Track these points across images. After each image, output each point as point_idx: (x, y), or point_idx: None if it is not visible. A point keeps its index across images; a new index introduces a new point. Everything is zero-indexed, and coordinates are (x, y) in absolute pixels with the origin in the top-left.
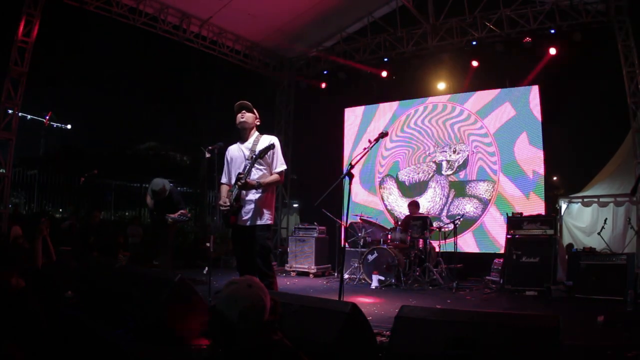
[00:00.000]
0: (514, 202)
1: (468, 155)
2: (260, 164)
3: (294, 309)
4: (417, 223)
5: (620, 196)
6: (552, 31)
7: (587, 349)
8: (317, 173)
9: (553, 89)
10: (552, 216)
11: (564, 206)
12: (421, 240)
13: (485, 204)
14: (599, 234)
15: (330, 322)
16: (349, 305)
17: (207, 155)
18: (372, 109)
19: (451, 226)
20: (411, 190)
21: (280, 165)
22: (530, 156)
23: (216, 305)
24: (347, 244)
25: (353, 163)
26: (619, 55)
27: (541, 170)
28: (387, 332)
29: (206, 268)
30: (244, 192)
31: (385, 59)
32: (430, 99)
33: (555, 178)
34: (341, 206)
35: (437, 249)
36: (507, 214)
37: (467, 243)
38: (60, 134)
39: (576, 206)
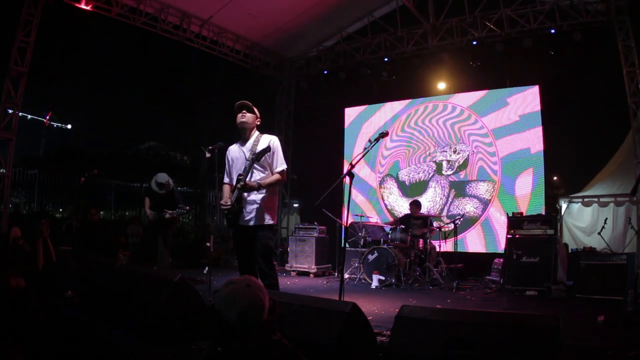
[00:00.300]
0: (514, 201)
1: (468, 155)
2: (261, 165)
3: (294, 309)
4: (417, 223)
5: (621, 196)
6: (553, 31)
7: (587, 349)
8: (318, 173)
9: (553, 88)
10: (552, 216)
11: (564, 206)
12: (421, 240)
13: (485, 204)
14: (599, 233)
15: (330, 321)
16: (349, 305)
17: (208, 155)
18: (373, 109)
19: (451, 226)
20: (411, 190)
21: (281, 165)
22: (531, 156)
23: (215, 305)
24: (347, 244)
25: (353, 163)
26: (619, 55)
27: (541, 170)
28: (388, 332)
29: (206, 268)
30: (245, 193)
31: (386, 59)
32: (431, 99)
33: (555, 178)
34: (341, 206)
35: (437, 249)
36: (507, 213)
37: (468, 243)
38: (60, 134)
39: (576, 206)
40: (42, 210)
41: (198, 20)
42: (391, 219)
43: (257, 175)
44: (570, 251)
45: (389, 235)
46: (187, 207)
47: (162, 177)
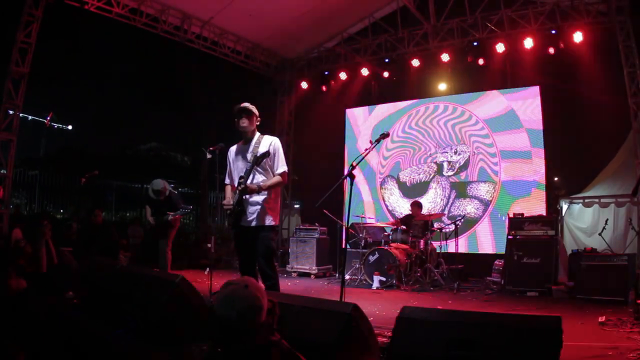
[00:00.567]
0: (515, 202)
1: (469, 156)
2: (262, 168)
3: (295, 310)
4: (418, 223)
5: (621, 197)
6: (553, 31)
7: (588, 349)
8: (318, 174)
9: (554, 89)
10: (553, 217)
11: (565, 207)
12: (422, 241)
13: (486, 205)
14: (600, 234)
15: (331, 322)
16: (350, 306)
17: (208, 155)
18: (373, 110)
19: (452, 227)
20: (412, 190)
21: (282, 167)
22: (531, 156)
23: (214, 306)
24: (348, 245)
25: (354, 164)
26: (620, 56)
27: (542, 170)
28: (389, 333)
29: (207, 268)
30: (246, 195)
31: (387, 60)
32: (432, 100)
33: (556, 179)
34: (342, 207)
35: (437, 250)
36: (508, 214)
37: (468, 244)
38: (61, 135)
39: (577, 207)
40: (43, 211)
41: (199, 21)
42: (392, 220)
43: (258, 178)
44: (570, 252)
45: (390, 236)
46: (190, 207)
47: (157, 184)
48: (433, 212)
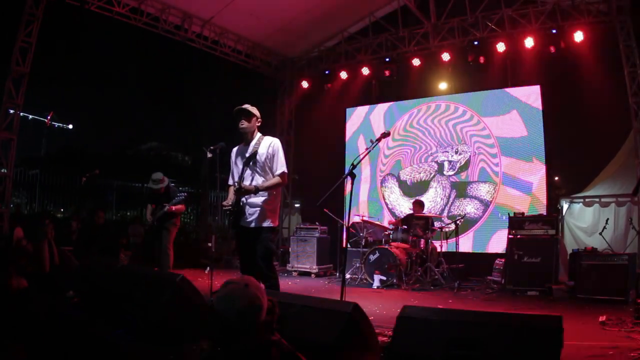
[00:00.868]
0: (516, 202)
1: (470, 157)
2: (262, 169)
3: (295, 309)
4: (419, 223)
5: (622, 196)
6: (554, 31)
7: (588, 349)
8: (319, 173)
9: (554, 88)
10: (553, 216)
11: (565, 206)
12: (423, 240)
13: (486, 205)
14: (600, 234)
15: (332, 322)
16: (350, 305)
17: (209, 155)
18: (374, 109)
19: (453, 226)
20: (412, 189)
21: (281, 167)
22: (532, 156)
23: (214, 305)
24: (348, 244)
25: (355, 163)
26: (621, 55)
27: (543, 170)
28: (389, 332)
29: (208, 268)
30: (248, 196)
31: (387, 59)
32: (433, 99)
33: (556, 178)
34: (343, 206)
35: (438, 249)
36: (508, 214)
37: (469, 243)
38: (61, 134)
39: (578, 206)
40: (44, 210)
41: (199, 21)
42: (392, 219)
43: (257, 179)
44: (571, 251)
45: (391, 236)
46: (185, 193)
47: (156, 174)
48: (433, 212)
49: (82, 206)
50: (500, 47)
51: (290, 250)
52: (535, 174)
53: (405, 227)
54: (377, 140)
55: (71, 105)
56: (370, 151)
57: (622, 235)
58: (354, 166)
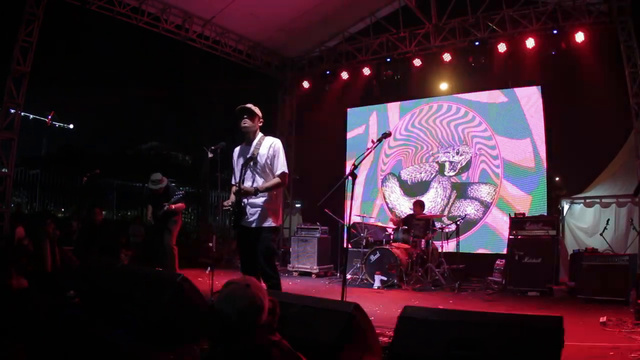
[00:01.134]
0: (516, 202)
1: (471, 158)
2: (262, 170)
3: (296, 309)
4: (419, 223)
5: (623, 197)
6: (555, 31)
7: (589, 349)
8: (320, 173)
9: (555, 89)
10: (554, 217)
11: (566, 207)
12: (423, 241)
13: (486, 206)
14: (601, 234)
15: (332, 322)
16: (351, 305)
17: (210, 155)
18: (375, 109)
19: (453, 227)
20: (413, 189)
21: (281, 168)
22: (533, 156)
23: (214, 305)
24: (349, 244)
25: (356, 163)
26: (622, 56)
27: (543, 170)
28: (390, 333)
29: (209, 267)
30: (244, 197)
31: (388, 59)
32: (434, 99)
33: (557, 179)
34: (343, 206)
35: (439, 250)
36: (509, 214)
37: (470, 243)
38: (62, 134)
39: (578, 207)
40: (44, 210)
41: (200, 20)
42: (393, 219)
43: (258, 180)
44: (572, 252)
45: (391, 236)
46: (182, 192)
47: (155, 175)
48: (433, 212)
49: (82, 206)
50: (501, 47)
51: (291, 250)
52: (536, 175)
53: (406, 227)
54: (378, 140)
55: (72, 105)
56: (371, 151)
57: (622, 235)
58: (355, 166)
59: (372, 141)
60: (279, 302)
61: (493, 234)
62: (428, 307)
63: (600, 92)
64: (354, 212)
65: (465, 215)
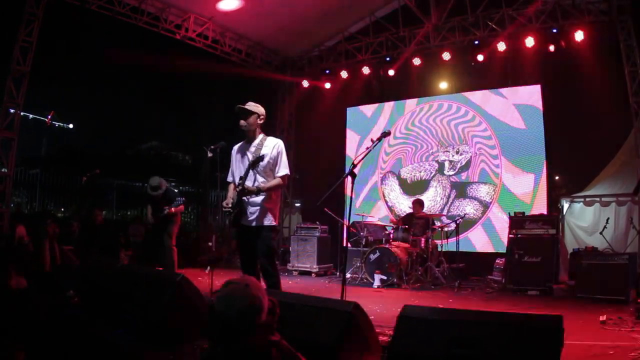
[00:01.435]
0: (516, 201)
1: (471, 157)
2: (264, 170)
3: (295, 309)
4: (419, 222)
5: (623, 196)
6: (554, 30)
7: (589, 348)
8: (320, 172)
9: (555, 88)
10: (554, 216)
11: (566, 206)
12: (423, 240)
13: (485, 206)
14: (601, 233)
15: (332, 321)
16: (351, 304)
17: (210, 154)
18: (374, 108)
19: (453, 225)
20: (412, 188)
21: (283, 170)
22: (533, 155)
23: (214, 305)
24: (349, 243)
25: (355, 162)
26: (621, 55)
27: (543, 169)
28: (390, 332)
29: (208, 267)
30: (246, 196)
31: (388, 58)
32: (433, 98)
33: (557, 177)
34: (343, 205)
35: (439, 249)
36: (509, 213)
37: (469, 242)
38: (62, 134)
39: (578, 206)
40: (44, 210)
41: (200, 20)
42: (392, 217)
43: (259, 180)
44: (571, 251)
45: (391, 235)
46: (183, 198)
47: (153, 180)
48: (432, 211)
49: (82, 206)
50: (501, 46)
51: (290, 249)
52: (536, 174)
53: (406, 226)
54: (377, 139)
55: (72, 105)
56: (370, 150)
57: (622, 234)
58: (354, 165)
59: (372, 140)
60: (279, 301)
61: (493, 233)
62: (428, 306)
63: (600, 91)
64: (353, 211)
65: (465, 214)
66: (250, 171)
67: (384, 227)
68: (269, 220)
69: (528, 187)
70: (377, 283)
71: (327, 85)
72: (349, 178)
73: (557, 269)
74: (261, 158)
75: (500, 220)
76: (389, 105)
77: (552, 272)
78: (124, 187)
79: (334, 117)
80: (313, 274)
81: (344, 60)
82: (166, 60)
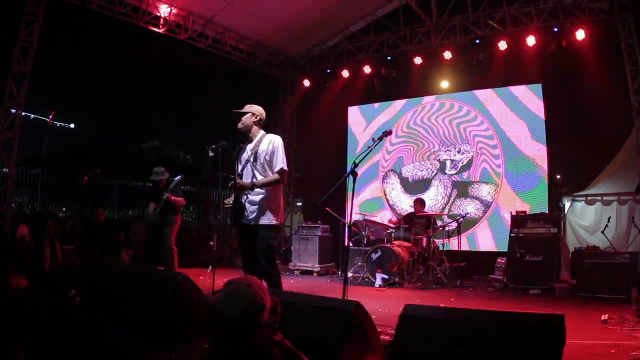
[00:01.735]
0: (518, 200)
1: (472, 156)
2: (262, 166)
3: (297, 308)
4: (420, 221)
5: (624, 194)
6: (556, 29)
7: (590, 347)
8: (321, 172)
9: (556, 87)
10: (555, 214)
11: (567, 204)
12: (425, 239)
13: (487, 206)
14: (602, 232)
15: (333, 320)
16: (352, 303)
17: (211, 154)
18: (375, 107)
19: (454, 224)
20: (414, 187)
21: (279, 165)
22: (534, 154)
23: (215, 305)
24: (350, 243)
25: (357, 161)
26: (622, 54)
27: (545, 168)
28: (391, 331)
29: (210, 266)
30: (247, 193)
31: (389, 57)
32: (435, 97)
33: (558, 176)
34: (344, 204)
35: (440, 248)
36: (510, 212)
37: (471, 242)
38: (63, 133)
39: (580, 204)
40: (45, 209)
41: (201, 19)
42: (394, 216)
43: (257, 176)
44: (573, 250)
45: (393, 234)
46: (179, 177)
47: (158, 168)
48: (434, 211)
49: (83, 205)
50: (502, 45)
51: (292, 248)
52: (537, 172)
53: (407, 225)
54: (378, 138)
55: (73, 105)
56: (372, 149)
57: (624, 233)
58: (355, 164)
59: (373, 139)
60: (280, 301)
61: (494, 232)
62: (429, 305)
63: (601, 90)
64: (354, 211)
65: (466, 214)
66: (249, 168)
67: (385, 226)
68: (268, 219)
69: (529, 186)
70: (378, 282)
71: (328, 85)
72: (350, 177)
73: (558, 268)
74: (255, 153)
75: (501, 219)
76: (390, 104)
77: (553, 271)
78: (125, 186)
79: (335, 116)
80: (315, 274)
81: (345, 60)
82: (167, 60)
